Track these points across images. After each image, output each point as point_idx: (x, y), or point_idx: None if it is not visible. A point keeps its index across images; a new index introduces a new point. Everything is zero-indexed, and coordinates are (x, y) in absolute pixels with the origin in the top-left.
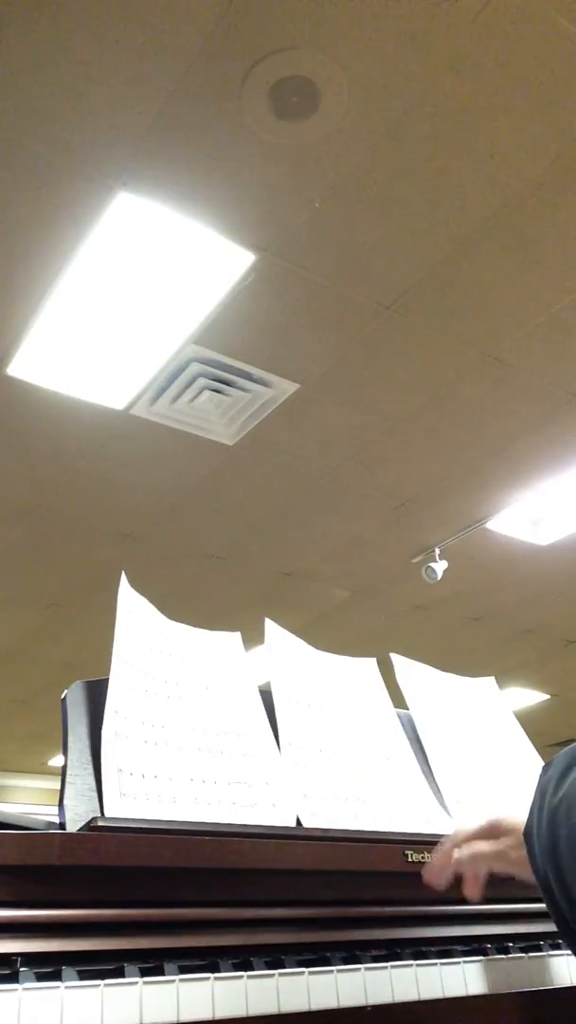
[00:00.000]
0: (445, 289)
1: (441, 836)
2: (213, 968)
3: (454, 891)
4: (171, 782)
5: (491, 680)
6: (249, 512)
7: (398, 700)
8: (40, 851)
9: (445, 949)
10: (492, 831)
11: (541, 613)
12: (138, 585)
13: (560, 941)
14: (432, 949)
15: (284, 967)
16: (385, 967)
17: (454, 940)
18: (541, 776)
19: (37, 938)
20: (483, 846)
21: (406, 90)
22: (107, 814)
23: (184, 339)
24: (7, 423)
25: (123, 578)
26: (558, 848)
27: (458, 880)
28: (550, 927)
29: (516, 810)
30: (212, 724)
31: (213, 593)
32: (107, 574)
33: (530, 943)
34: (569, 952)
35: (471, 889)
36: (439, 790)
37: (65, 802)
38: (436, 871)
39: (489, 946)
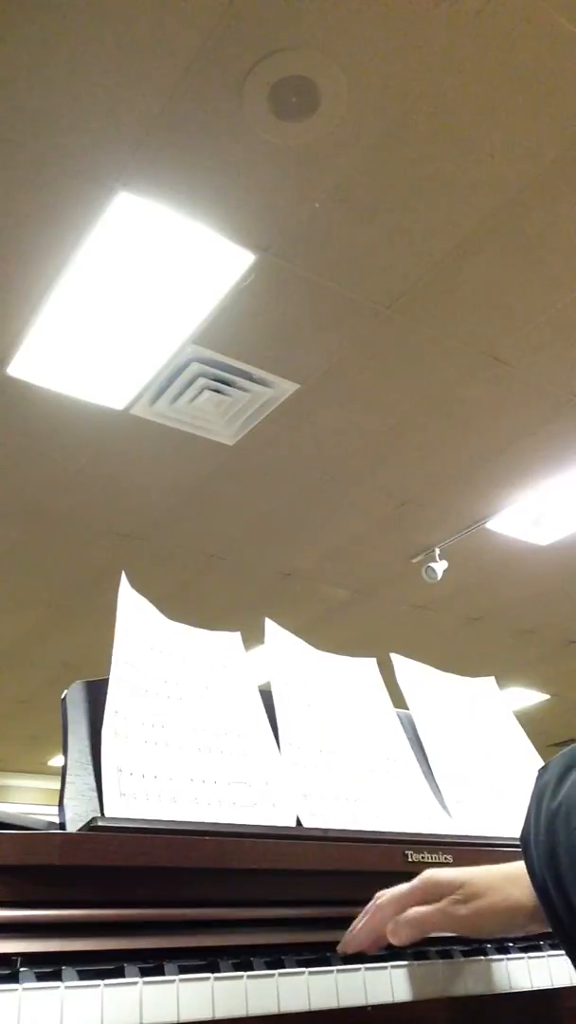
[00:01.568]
0: (445, 289)
1: (442, 836)
2: (213, 968)
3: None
4: (171, 782)
5: (491, 680)
6: (249, 512)
7: (398, 700)
8: (40, 851)
9: (445, 949)
10: (426, 891)
11: (541, 613)
12: (138, 585)
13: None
14: (432, 949)
15: (284, 967)
16: (385, 967)
17: (454, 940)
18: (537, 780)
19: (37, 938)
20: (422, 909)
21: (406, 90)
22: (107, 814)
23: (184, 339)
24: (7, 423)
25: (123, 578)
26: (557, 854)
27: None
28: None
29: (445, 869)
30: (212, 724)
31: (213, 593)
32: (107, 574)
33: (530, 943)
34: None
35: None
36: (439, 790)
37: (65, 802)
38: (361, 943)
39: (489, 946)
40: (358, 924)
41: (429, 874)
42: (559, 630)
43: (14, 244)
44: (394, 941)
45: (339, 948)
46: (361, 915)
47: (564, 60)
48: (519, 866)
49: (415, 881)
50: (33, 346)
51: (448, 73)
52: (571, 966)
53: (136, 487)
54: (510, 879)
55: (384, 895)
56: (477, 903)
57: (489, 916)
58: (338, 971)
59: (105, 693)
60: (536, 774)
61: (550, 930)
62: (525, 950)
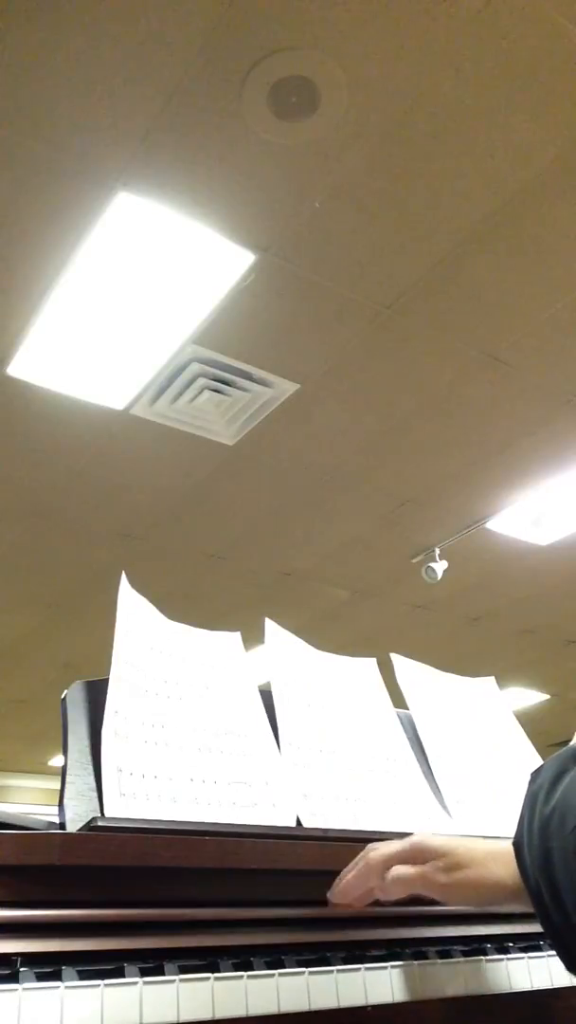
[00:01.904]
0: (445, 289)
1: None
2: (213, 968)
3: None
4: (171, 782)
5: (491, 680)
6: (249, 512)
7: (398, 700)
8: (40, 851)
9: (445, 949)
10: (414, 853)
11: (541, 613)
12: (138, 585)
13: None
14: (432, 949)
15: (284, 967)
16: (385, 967)
17: (454, 940)
18: (530, 784)
19: (37, 938)
20: (405, 870)
21: (406, 90)
22: (107, 814)
23: (184, 339)
24: (7, 423)
25: (123, 578)
26: (551, 859)
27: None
28: None
29: (438, 834)
30: (212, 724)
31: (213, 593)
32: (107, 574)
33: (530, 943)
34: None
35: (360, 900)
36: (439, 790)
37: (65, 802)
38: (347, 892)
39: (489, 946)
40: (347, 875)
41: (419, 837)
42: (559, 630)
43: (14, 244)
44: (379, 895)
45: (328, 895)
46: (350, 865)
47: (564, 60)
48: (507, 844)
49: (406, 842)
50: (33, 346)
51: (448, 73)
52: None
53: (136, 487)
54: (493, 855)
55: (375, 849)
56: (457, 874)
57: (467, 888)
58: (338, 971)
59: (105, 693)
60: (529, 778)
61: (530, 910)
62: (525, 950)
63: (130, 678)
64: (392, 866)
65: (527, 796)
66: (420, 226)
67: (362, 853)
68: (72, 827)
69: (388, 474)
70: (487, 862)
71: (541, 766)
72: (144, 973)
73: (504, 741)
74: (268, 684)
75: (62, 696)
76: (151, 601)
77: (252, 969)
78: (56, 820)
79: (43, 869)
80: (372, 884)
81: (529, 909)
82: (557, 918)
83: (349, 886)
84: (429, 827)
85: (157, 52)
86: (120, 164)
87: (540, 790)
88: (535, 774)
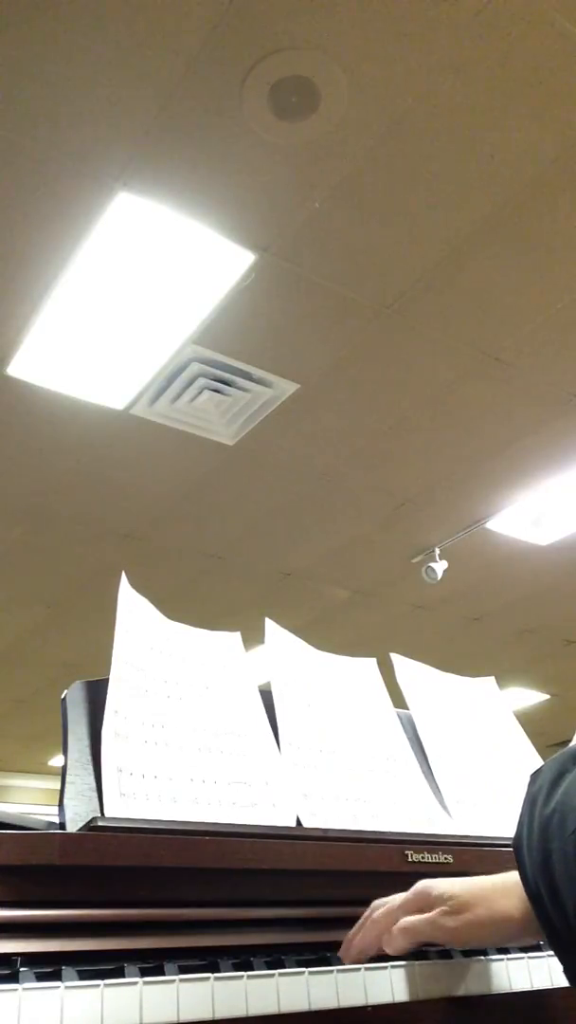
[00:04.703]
0: (445, 289)
1: (442, 836)
2: (213, 968)
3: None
4: (171, 782)
5: (491, 680)
6: (249, 512)
7: (398, 700)
8: (40, 851)
9: (445, 949)
10: (419, 901)
11: (541, 613)
12: (138, 585)
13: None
14: (432, 949)
15: (284, 967)
16: (385, 967)
17: None
18: (530, 786)
19: (37, 938)
20: (412, 920)
21: (406, 90)
22: (107, 814)
23: (184, 339)
24: (7, 423)
25: (123, 578)
26: (551, 861)
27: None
28: None
29: (439, 880)
30: (212, 724)
31: (213, 593)
32: (107, 574)
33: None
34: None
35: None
36: (439, 790)
37: (65, 802)
38: (358, 952)
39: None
40: (355, 934)
41: (423, 884)
42: (559, 630)
43: (14, 244)
44: (388, 950)
45: (340, 954)
46: (358, 924)
47: (564, 60)
48: (512, 876)
49: (410, 891)
50: (33, 346)
51: (448, 73)
52: None
53: (136, 487)
54: (500, 890)
55: (379, 905)
56: (465, 916)
57: (477, 928)
58: (338, 971)
59: (105, 693)
60: (528, 779)
61: (541, 941)
62: (525, 950)
63: (130, 678)
64: (399, 918)
65: (527, 797)
66: (420, 226)
67: (367, 911)
68: (72, 827)
69: (388, 474)
70: (495, 898)
71: (541, 767)
72: (144, 973)
73: (504, 741)
74: (268, 684)
75: (62, 696)
76: (151, 601)
77: (252, 969)
78: (56, 820)
79: (43, 869)
80: (387, 937)
81: (541, 939)
82: (557, 920)
83: (357, 946)
84: (429, 827)
85: (157, 52)
86: (120, 164)
87: (540, 791)
88: (535, 775)
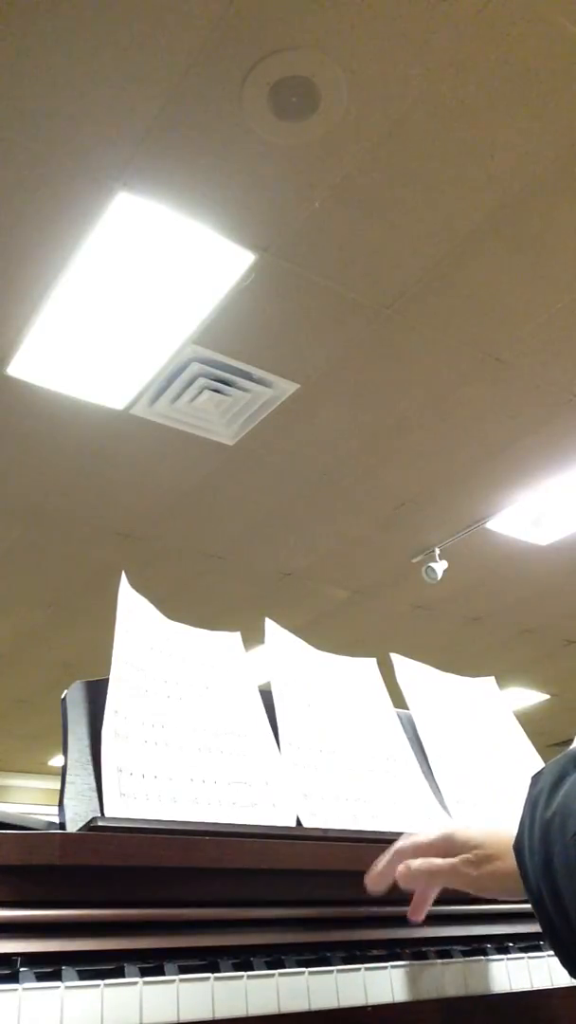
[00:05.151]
0: (445, 289)
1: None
2: (213, 968)
3: (442, 893)
4: (171, 782)
5: (491, 680)
6: (249, 512)
7: (398, 700)
8: (40, 851)
9: (445, 949)
10: (445, 845)
11: (541, 613)
12: (138, 585)
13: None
14: (432, 949)
15: (284, 967)
16: (385, 967)
17: (454, 940)
18: (531, 788)
19: (37, 938)
20: (434, 862)
21: (406, 90)
22: (107, 814)
23: (184, 339)
24: (7, 423)
25: (123, 578)
26: (552, 864)
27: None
28: None
29: (470, 825)
30: (212, 724)
31: (213, 593)
32: (107, 574)
33: (530, 943)
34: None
35: (417, 911)
36: (439, 790)
37: (65, 802)
38: (379, 878)
39: (489, 946)
40: (379, 865)
41: (450, 828)
42: (559, 630)
43: (14, 244)
44: (402, 884)
45: (365, 880)
46: (381, 857)
47: (564, 60)
48: None
49: (435, 833)
50: (33, 346)
51: (448, 73)
52: None
53: (136, 487)
54: None
55: (405, 841)
56: (488, 866)
57: (498, 879)
58: (338, 971)
59: (105, 693)
60: (529, 781)
61: None
62: (525, 950)
63: (130, 678)
64: (421, 856)
65: (527, 800)
66: (420, 226)
67: (394, 844)
68: (72, 827)
69: (388, 474)
70: None
71: (542, 770)
72: (144, 973)
73: (504, 741)
74: (268, 684)
75: (62, 696)
76: (151, 601)
77: (252, 969)
78: (56, 820)
79: (43, 869)
80: (408, 870)
81: None
82: (559, 923)
83: (381, 877)
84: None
85: (157, 52)
86: (120, 164)
87: (541, 794)
88: (536, 778)
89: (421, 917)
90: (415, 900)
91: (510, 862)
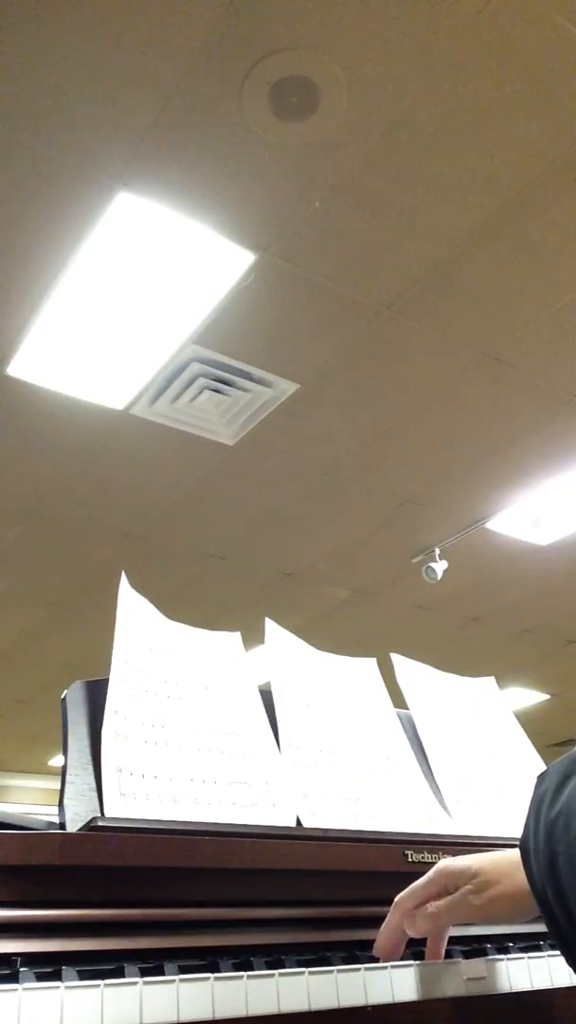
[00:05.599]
0: (445, 289)
1: (442, 836)
2: (213, 968)
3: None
4: (171, 782)
5: (491, 680)
6: (249, 512)
7: (398, 700)
8: (40, 851)
9: (445, 949)
10: (443, 881)
11: (541, 613)
12: (138, 585)
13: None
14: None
15: (284, 967)
16: (385, 967)
17: (454, 940)
18: (536, 788)
19: (37, 938)
20: (439, 904)
21: (406, 90)
22: (107, 814)
23: (184, 339)
24: (7, 423)
25: (123, 578)
26: (557, 864)
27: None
28: None
29: (460, 857)
30: (212, 724)
31: (213, 593)
32: (107, 574)
33: (530, 943)
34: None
35: (434, 951)
36: (439, 790)
37: (65, 802)
38: (390, 947)
39: (489, 946)
40: (385, 929)
41: (443, 865)
42: (559, 630)
43: (14, 244)
44: (411, 932)
45: (373, 951)
46: (386, 920)
47: (564, 60)
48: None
49: (430, 873)
50: (33, 346)
51: (448, 73)
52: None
53: (136, 487)
54: (518, 864)
55: (402, 893)
56: (490, 892)
57: (503, 903)
58: (338, 971)
59: (105, 693)
60: (535, 781)
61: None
62: (525, 950)
63: (130, 678)
64: (422, 903)
65: (532, 800)
66: (420, 226)
67: (394, 903)
68: (72, 827)
69: (388, 474)
70: (515, 872)
71: (547, 770)
72: (144, 973)
73: (504, 741)
74: (268, 684)
75: (62, 696)
76: (151, 601)
77: (252, 969)
78: (56, 820)
79: (43, 869)
80: (413, 929)
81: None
82: (564, 923)
83: (386, 939)
84: (429, 827)
85: (157, 52)
86: (120, 164)
87: (546, 794)
88: (541, 778)
89: (440, 957)
90: (429, 945)
91: (512, 883)
